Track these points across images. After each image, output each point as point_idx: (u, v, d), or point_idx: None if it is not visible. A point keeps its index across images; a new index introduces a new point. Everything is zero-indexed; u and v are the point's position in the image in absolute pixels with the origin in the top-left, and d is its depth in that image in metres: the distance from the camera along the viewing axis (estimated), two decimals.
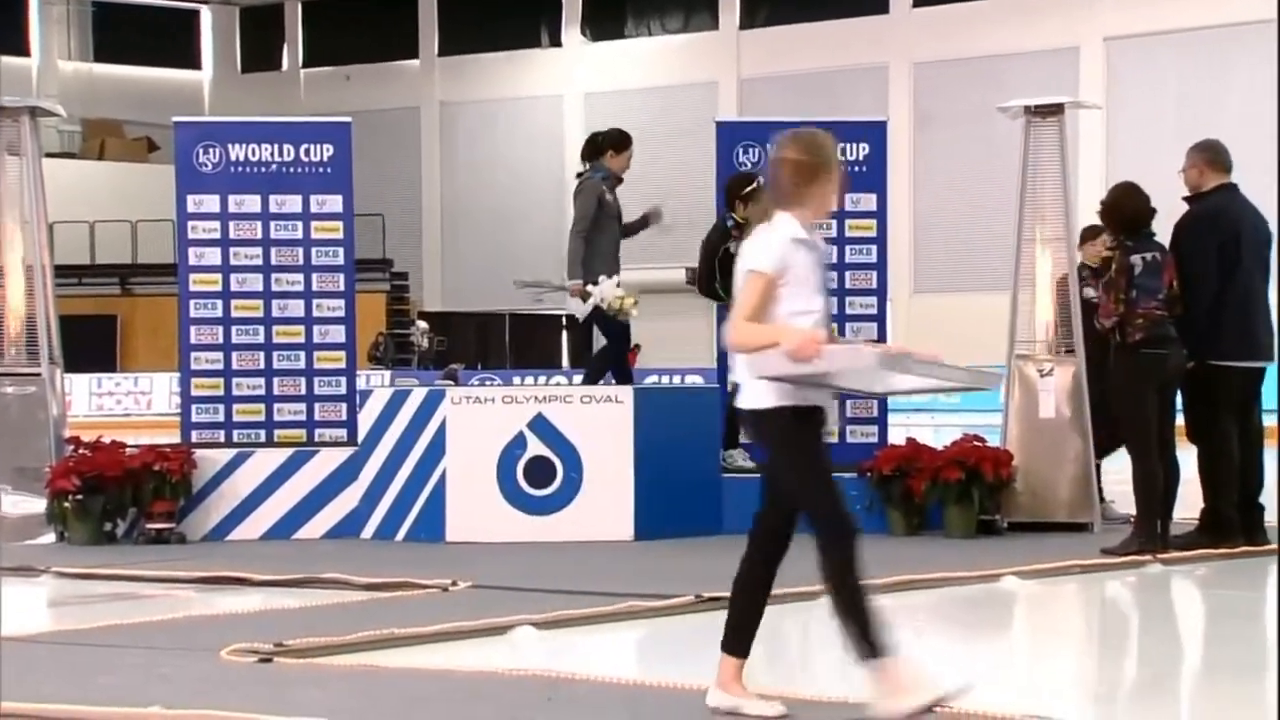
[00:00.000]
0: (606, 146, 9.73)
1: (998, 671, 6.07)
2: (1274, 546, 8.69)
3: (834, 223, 9.85)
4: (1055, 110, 10.00)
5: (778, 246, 4.66)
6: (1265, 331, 8.76)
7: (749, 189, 8.90)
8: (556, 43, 38.04)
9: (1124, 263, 8.45)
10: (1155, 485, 8.44)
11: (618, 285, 9.21)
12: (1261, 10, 30.44)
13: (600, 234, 9.55)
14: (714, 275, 9.21)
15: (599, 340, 9.95)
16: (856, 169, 9.85)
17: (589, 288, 9.31)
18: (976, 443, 9.48)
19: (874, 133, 10.06)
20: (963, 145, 32.76)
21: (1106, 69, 31.83)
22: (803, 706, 4.78)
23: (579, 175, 9.83)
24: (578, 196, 9.69)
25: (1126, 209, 8.59)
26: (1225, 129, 29.02)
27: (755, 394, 4.69)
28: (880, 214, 9.88)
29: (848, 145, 9.85)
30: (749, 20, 35.97)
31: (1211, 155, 8.84)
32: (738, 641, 4.76)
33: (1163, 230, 8.64)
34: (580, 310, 9.24)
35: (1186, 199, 8.84)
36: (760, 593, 4.79)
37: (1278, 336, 8.84)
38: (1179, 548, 8.52)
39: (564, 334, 37.66)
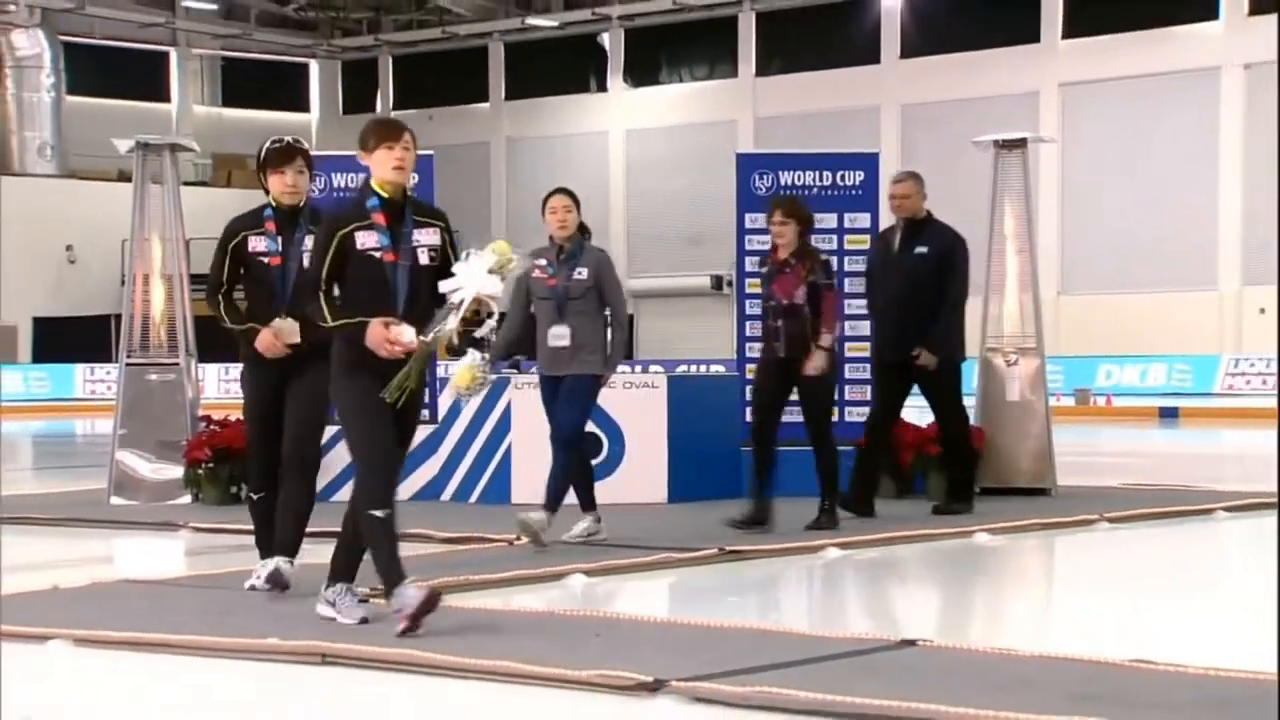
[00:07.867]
0: None
1: (970, 612, 6.04)
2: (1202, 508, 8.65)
3: (834, 238, 9.83)
4: (1019, 144, 9.95)
5: None
6: None
7: None
8: (603, 88, 38.02)
9: None
10: None
11: None
12: (1189, 60, 30.21)
13: None
14: None
15: None
16: (853, 192, 9.84)
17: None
18: None
19: (868, 163, 10.04)
20: (941, 174, 32.47)
21: (1062, 110, 31.64)
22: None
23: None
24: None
25: None
26: (1157, 161, 28.69)
27: None
28: (873, 231, 9.82)
29: (846, 173, 9.87)
30: (764, 68, 35.90)
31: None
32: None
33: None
34: None
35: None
36: None
37: None
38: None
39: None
